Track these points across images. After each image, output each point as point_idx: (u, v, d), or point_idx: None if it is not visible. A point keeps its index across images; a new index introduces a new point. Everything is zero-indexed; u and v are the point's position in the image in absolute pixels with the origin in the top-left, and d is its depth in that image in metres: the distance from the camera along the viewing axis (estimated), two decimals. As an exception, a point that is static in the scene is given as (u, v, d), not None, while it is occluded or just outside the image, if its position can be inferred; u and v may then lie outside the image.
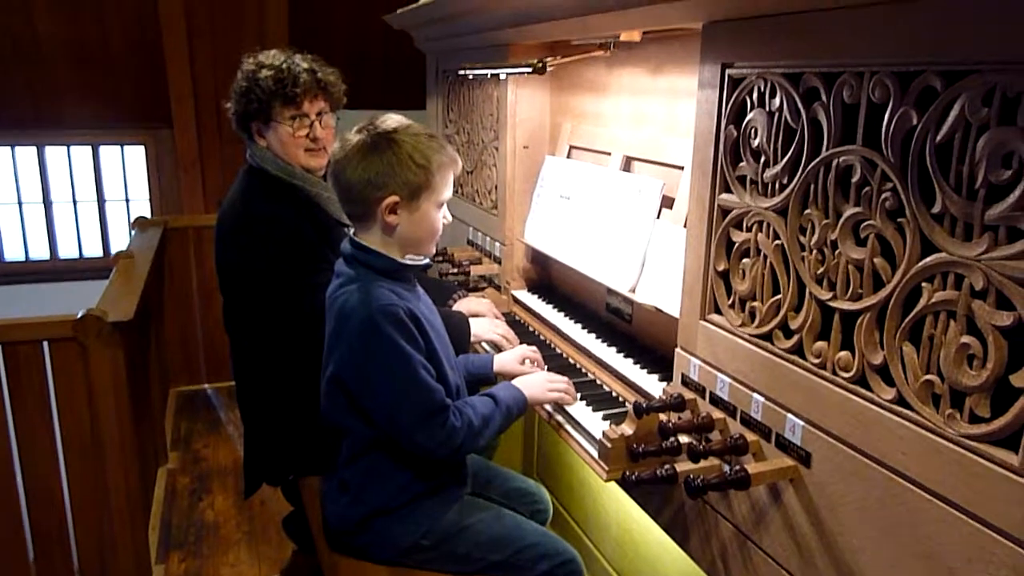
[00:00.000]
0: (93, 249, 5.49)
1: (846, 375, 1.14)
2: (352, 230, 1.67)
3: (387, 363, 1.55)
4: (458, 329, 2.04)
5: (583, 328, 2.12)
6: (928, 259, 1.00)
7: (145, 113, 5.06)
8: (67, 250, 5.47)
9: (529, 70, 2.01)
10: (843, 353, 1.15)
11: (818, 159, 1.16)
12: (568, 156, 2.36)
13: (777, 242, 1.26)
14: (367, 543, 1.69)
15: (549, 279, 2.52)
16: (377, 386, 1.57)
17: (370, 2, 4.94)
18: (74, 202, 5.42)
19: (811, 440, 1.20)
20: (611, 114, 2.18)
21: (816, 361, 1.20)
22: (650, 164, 1.98)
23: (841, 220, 1.12)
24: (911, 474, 1.04)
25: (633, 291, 1.85)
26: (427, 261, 1.69)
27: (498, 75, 2.39)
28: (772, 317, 1.29)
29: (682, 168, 1.78)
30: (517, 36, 2.24)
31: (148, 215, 4.84)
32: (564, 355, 2.09)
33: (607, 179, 2.05)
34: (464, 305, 2.25)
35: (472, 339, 2.09)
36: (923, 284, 1.01)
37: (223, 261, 2.12)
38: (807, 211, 1.19)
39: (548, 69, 2.00)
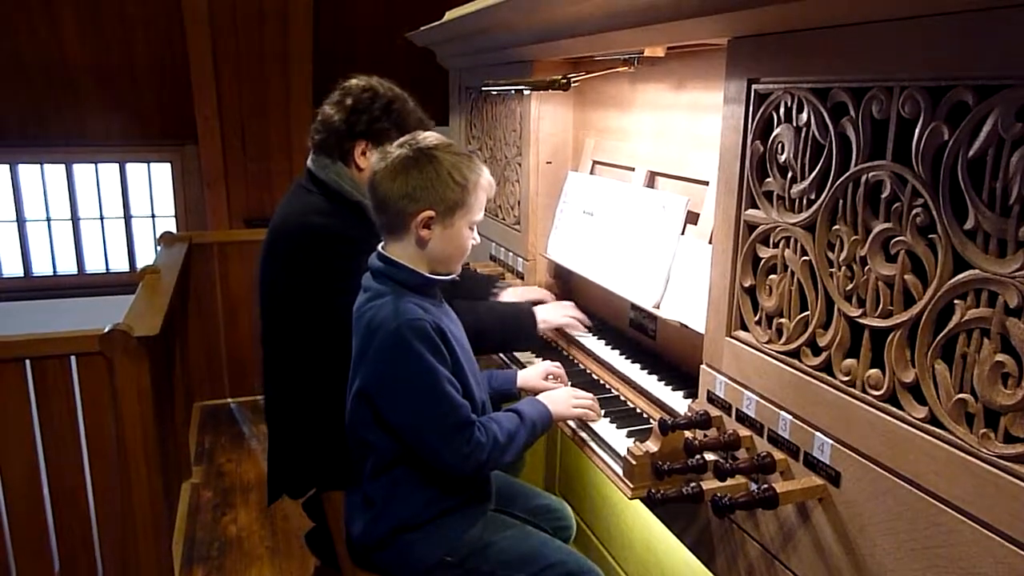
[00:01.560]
0: (119, 264, 5.57)
1: (876, 393, 1.12)
2: (381, 244, 1.68)
3: (414, 377, 1.55)
4: (523, 319, 2.05)
5: (606, 344, 2.11)
6: (961, 276, 0.98)
7: (171, 131, 5.14)
8: (94, 265, 5.55)
9: (552, 87, 2.02)
10: (873, 371, 1.13)
11: (847, 175, 1.15)
12: (591, 171, 2.36)
13: (805, 258, 1.25)
14: (391, 559, 1.69)
15: (571, 294, 2.51)
16: (403, 400, 1.57)
17: (393, 20, 5.00)
18: (101, 218, 5.51)
19: (840, 459, 1.19)
20: (635, 129, 2.18)
21: (845, 379, 1.18)
22: (674, 179, 1.98)
23: (871, 236, 1.11)
24: (944, 494, 1.02)
25: (658, 307, 1.84)
26: (454, 276, 1.70)
27: (521, 91, 2.40)
28: (800, 334, 1.27)
29: (707, 183, 1.77)
30: (540, 52, 2.25)
31: (174, 231, 4.90)
32: (587, 371, 2.08)
33: (631, 195, 2.05)
34: (514, 294, 2.25)
35: (541, 326, 2.09)
36: (955, 301, 1.00)
37: (279, 275, 2.09)
38: (835, 227, 1.18)
39: (572, 85, 2.00)
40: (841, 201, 1.17)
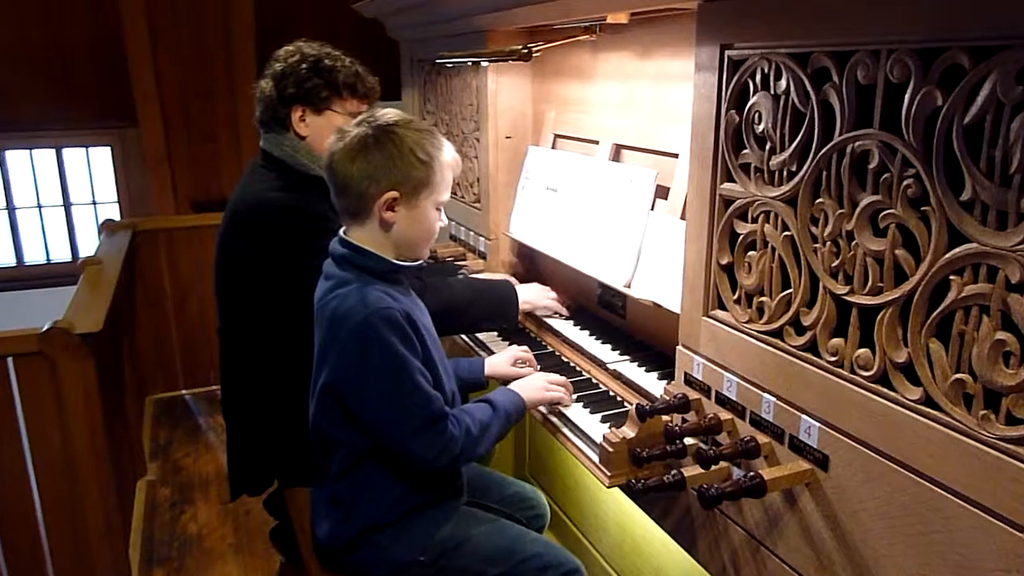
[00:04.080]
0: (61, 254, 5.34)
1: (866, 374, 1.07)
2: (343, 229, 1.58)
3: (384, 369, 1.46)
4: (505, 297, 2.01)
5: (575, 324, 2.05)
6: (957, 250, 0.93)
7: (109, 113, 4.90)
8: (33, 256, 5.32)
9: (513, 57, 1.92)
10: (862, 351, 1.08)
11: (830, 145, 1.09)
12: (553, 146, 2.28)
13: (786, 233, 1.19)
14: (361, 560, 1.61)
15: (537, 274, 2.44)
16: (373, 393, 1.48)
17: (339, -10, 4.81)
18: (39, 206, 5.26)
19: (828, 442, 1.14)
20: (598, 101, 2.10)
21: (832, 359, 1.13)
22: (641, 152, 1.91)
23: (858, 209, 1.05)
24: (941, 478, 0.97)
25: (629, 286, 1.77)
26: (420, 263, 1.61)
27: (478, 62, 2.30)
28: (782, 313, 1.22)
29: (676, 156, 1.71)
30: (495, 21, 2.15)
31: (117, 218, 4.69)
32: (557, 353, 2.02)
33: (596, 169, 1.98)
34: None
35: (522, 306, 2.05)
36: (951, 277, 0.94)
37: (239, 256, 1.97)
38: (819, 200, 1.12)
39: (533, 55, 1.92)
40: (825, 173, 1.11)
